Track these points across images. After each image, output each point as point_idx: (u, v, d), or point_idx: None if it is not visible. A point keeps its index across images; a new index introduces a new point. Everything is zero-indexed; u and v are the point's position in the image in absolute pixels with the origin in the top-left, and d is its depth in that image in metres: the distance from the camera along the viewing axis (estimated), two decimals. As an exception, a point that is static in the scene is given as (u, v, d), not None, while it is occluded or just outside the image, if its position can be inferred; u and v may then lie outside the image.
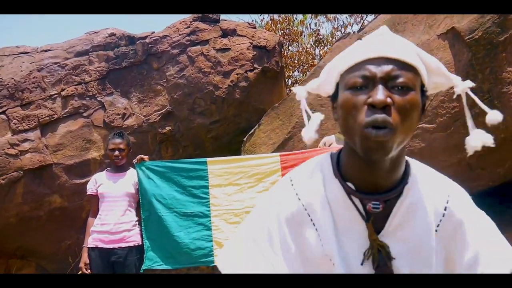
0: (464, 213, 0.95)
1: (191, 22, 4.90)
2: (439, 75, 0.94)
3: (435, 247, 0.92)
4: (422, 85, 0.90)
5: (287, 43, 6.67)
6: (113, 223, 3.19)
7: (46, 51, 4.78)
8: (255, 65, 4.83)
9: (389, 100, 0.82)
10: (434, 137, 3.50)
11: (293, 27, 6.60)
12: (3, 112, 4.47)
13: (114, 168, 3.40)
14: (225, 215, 3.25)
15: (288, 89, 5.93)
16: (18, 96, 4.50)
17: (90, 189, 3.35)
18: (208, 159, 3.43)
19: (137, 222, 3.29)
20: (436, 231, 0.92)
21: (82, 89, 4.64)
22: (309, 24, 6.72)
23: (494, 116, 0.95)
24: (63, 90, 4.60)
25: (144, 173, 3.35)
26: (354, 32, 5.07)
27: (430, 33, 3.61)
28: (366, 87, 0.85)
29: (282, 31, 6.49)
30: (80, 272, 3.37)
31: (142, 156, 3.41)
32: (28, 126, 4.49)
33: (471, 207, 0.98)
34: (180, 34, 4.82)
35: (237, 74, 4.77)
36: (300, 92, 1.04)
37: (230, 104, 4.75)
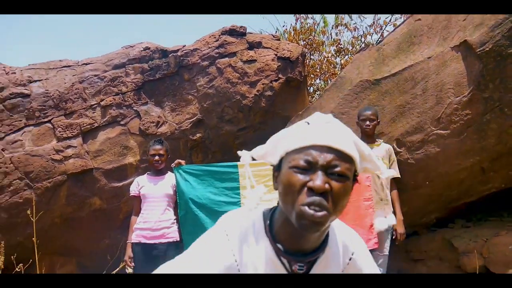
0: (362, 265, 1.20)
1: (219, 35, 5.29)
2: (370, 162, 1.10)
3: None
4: (355, 170, 1.04)
5: (309, 53, 7.01)
6: (154, 221, 3.60)
7: (86, 64, 5.20)
8: (280, 75, 5.18)
9: (327, 186, 0.95)
10: (448, 142, 3.79)
11: (315, 37, 6.97)
12: (49, 121, 4.87)
13: (154, 172, 3.82)
14: None
15: (310, 96, 6.27)
16: (62, 106, 4.91)
17: (133, 190, 3.77)
18: (238, 163, 3.81)
19: (175, 220, 3.70)
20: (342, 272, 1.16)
21: (119, 99, 5.04)
22: (330, 34, 7.10)
23: (388, 173, 1.26)
24: (102, 100, 5.00)
25: (181, 176, 3.76)
26: (373, 44, 5.38)
27: (444, 45, 3.92)
28: (308, 170, 0.98)
29: (304, 41, 6.86)
30: (123, 265, 3.80)
31: (180, 160, 3.83)
32: (71, 134, 4.88)
33: (368, 259, 1.24)
34: (209, 47, 5.21)
35: (262, 84, 5.13)
36: (245, 157, 1.27)
37: (256, 112, 5.09)
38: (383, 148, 3.93)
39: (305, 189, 0.96)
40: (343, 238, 1.18)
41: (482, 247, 3.80)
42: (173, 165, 3.82)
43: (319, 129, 1.02)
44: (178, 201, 3.74)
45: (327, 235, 1.12)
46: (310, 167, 0.98)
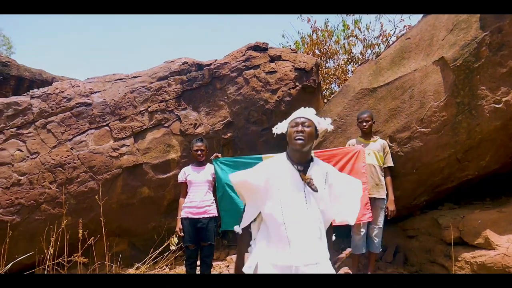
0: (333, 175, 2.46)
1: (245, 51, 6.45)
2: (322, 123, 2.49)
3: (324, 186, 2.39)
4: (315, 127, 2.44)
5: (325, 60, 8.11)
6: (198, 200, 4.82)
7: (135, 77, 6.38)
8: (297, 84, 6.28)
9: (302, 129, 2.37)
10: (429, 138, 4.84)
11: (330, 46, 8.05)
12: (107, 125, 6.02)
13: (197, 163, 5.05)
14: None
15: (326, 99, 7.35)
16: (117, 112, 6.07)
17: (181, 178, 5.01)
18: (263, 155, 5.03)
19: (214, 200, 4.93)
20: (325, 182, 2.41)
21: (163, 105, 6.16)
22: (343, 44, 8.15)
23: (326, 126, 2.54)
24: (149, 107, 6.13)
25: (219, 166, 5.01)
26: (372, 58, 6.48)
27: (427, 60, 4.99)
28: (296, 126, 2.38)
29: (319, 50, 7.95)
30: (175, 236, 5.04)
31: (217, 154, 5.08)
32: (125, 135, 6.01)
33: (335, 172, 2.50)
34: (237, 61, 6.36)
35: (282, 91, 6.24)
36: (276, 130, 2.56)
37: (277, 115, 6.17)
38: (378, 143, 5.06)
39: (295, 133, 2.34)
40: (321, 163, 2.49)
41: (459, 222, 4.87)
42: (212, 157, 5.06)
43: (299, 111, 2.46)
44: (217, 185, 4.97)
45: (312, 159, 2.42)
46: (296, 125, 2.37)
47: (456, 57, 4.64)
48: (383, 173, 5.00)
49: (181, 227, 4.82)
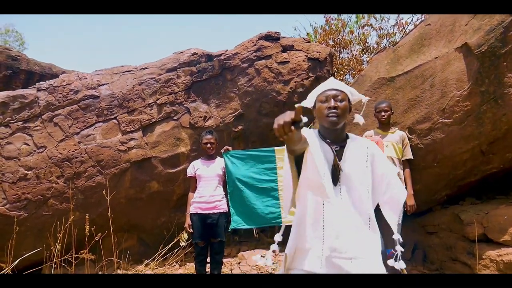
0: (375, 152, 2.16)
1: (256, 40, 6.20)
2: (355, 95, 2.21)
3: (366, 169, 2.10)
4: (349, 99, 2.14)
5: (339, 50, 7.82)
6: (208, 195, 4.58)
7: (144, 69, 6.18)
8: (310, 74, 6.04)
9: (336, 104, 2.06)
10: (452, 129, 4.55)
11: (343, 37, 7.74)
12: (115, 118, 5.84)
13: (206, 157, 4.80)
14: None
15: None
16: (125, 105, 5.88)
17: (190, 172, 4.77)
18: (275, 148, 4.76)
19: (224, 195, 4.68)
20: (366, 160, 2.14)
21: (172, 98, 5.97)
22: (358, 34, 7.85)
23: (358, 119, 2.33)
24: (158, 99, 5.94)
25: (229, 159, 4.75)
26: (389, 46, 6.17)
27: (449, 47, 4.69)
28: (327, 101, 2.09)
29: (333, 41, 7.65)
30: (184, 232, 4.81)
31: (228, 147, 4.82)
32: (133, 128, 5.83)
33: (378, 150, 2.20)
34: (248, 51, 6.13)
35: (295, 82, 6.00)
36: (304, 103, 2.21)
37: (289, 107, 5.86)
38: (397, 135, 4.77)
39: (326, 109, 2.04)
40: (359, 139, 2.19)
41: (483, 218, 4.57)
42: (222, 150, 4.80)
43: (328, 82, 2.16)
44: (227, 180, 4.71)
45: (347, 136, 2.15)
46: (327, 99, 2.07)
47: (480, 42, 4.32)
48: (401, 166, 4.71)
49: (190, 223, 4.58)
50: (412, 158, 4.71)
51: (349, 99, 2.13)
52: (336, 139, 2.12)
